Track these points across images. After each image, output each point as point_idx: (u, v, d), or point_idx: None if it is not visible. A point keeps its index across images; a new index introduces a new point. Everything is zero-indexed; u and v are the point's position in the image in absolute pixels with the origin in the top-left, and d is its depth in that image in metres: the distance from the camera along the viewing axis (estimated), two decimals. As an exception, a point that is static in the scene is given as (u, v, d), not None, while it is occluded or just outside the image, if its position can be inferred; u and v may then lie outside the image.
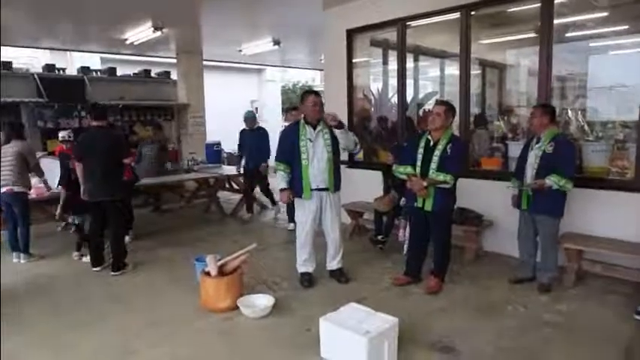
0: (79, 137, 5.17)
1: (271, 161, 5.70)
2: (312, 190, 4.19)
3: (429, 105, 6.48)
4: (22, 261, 5.26)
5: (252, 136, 7.20)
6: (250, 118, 7.30)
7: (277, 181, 4.32)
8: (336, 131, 4.12)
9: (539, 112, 4.08)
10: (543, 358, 3.08)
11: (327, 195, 4.27)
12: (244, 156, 7.30)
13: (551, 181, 3.87)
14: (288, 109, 7.20)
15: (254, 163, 7.15)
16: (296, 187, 4.23)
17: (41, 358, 3.22)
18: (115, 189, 4.83)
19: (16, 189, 5.08)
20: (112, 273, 4.81)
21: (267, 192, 7.60)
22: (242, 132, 7.40)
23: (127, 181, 5.36)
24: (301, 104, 4.28)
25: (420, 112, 6.99)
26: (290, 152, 4.21)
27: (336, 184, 4.30)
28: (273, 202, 7.64)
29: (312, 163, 4.15)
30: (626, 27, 5.30)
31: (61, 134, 6.28)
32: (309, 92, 4.32)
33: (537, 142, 4.09)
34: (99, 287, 4.51)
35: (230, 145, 13.87)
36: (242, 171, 7.47)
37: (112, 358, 3.19)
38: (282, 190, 4.27)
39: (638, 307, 3.60)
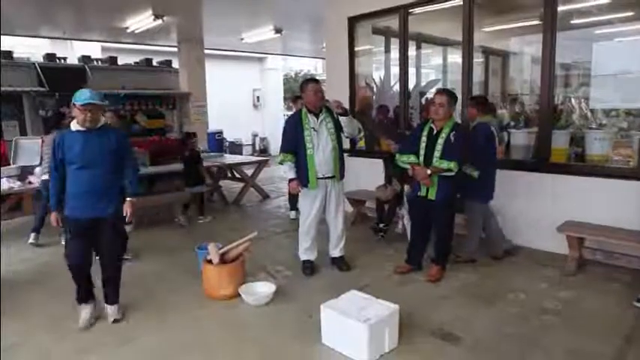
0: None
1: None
2: (317, 179, 4.19)
3: (431, 93, 6.45)
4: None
5: (92, 141, 3.25)
6: (92, 106, 3.16)
7: (285, 171, 4.32)
8: (342, 119, 4.13)
9: (467, 104, 4.58)
10: (544, 345, 3.09)
11: (333, 183, 4.27)
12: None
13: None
14: (295, 98, 6.90)
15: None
16: (301, 177, 4.21)
17: (44, 344, 3.25)
18: None
19: None
20: None
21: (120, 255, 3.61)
22: (65, 136, 3.28)
23: None
24: (302, 93, 4.27)
25: (423, 101, 6.97)
26: (294, 142, 4.19)
27: (341, 172, 4.30)
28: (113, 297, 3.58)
29: (317, 152, 4.14)
30: (631, 13, 5.25)
31: None
32: (308, 80, 4.30)
33: None
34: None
35: (232, 133, 13.94)
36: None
37: (113, 344, 3.21)
38: (290, 180, 4.26)
39: (638, 294, 3.61)
